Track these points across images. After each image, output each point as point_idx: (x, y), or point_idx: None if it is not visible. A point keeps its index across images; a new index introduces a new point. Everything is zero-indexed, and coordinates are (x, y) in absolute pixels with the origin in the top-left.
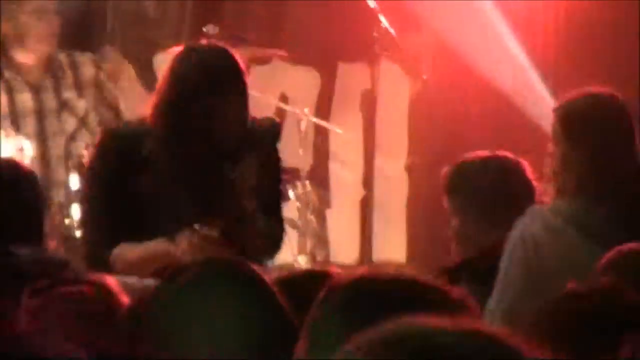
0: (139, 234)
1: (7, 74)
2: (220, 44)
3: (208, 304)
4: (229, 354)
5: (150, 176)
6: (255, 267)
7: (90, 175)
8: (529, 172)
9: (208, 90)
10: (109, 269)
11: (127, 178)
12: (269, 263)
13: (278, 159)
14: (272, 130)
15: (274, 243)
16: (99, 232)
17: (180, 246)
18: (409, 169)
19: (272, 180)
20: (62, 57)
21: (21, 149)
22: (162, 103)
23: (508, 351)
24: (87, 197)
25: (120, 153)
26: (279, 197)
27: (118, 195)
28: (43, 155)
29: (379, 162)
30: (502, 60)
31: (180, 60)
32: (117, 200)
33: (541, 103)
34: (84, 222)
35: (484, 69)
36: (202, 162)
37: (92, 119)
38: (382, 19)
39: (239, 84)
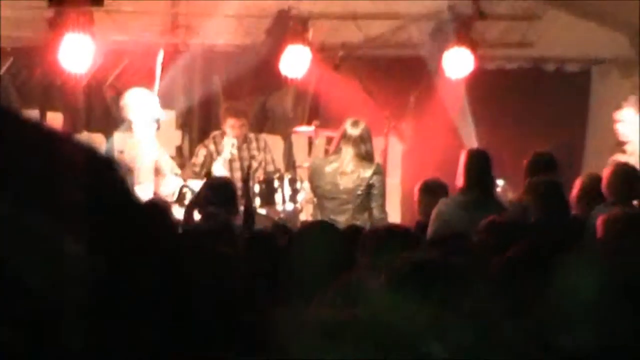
0: None
1: (226, 141)
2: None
3: None
4: None
5: None
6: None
7: None
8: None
9: None
10: None
11: None
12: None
13: None
14: None
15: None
16: None
17: None
18: (402, 183)
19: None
20: (251, 135)
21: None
22: None
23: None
24: None
25: None
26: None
27: None
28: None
29: (389, 180)
30: (457, 126)
31: None
32: None
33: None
34: None
35: (443, 134)
36: None
37: (264, 166)
38: (391, 119)
39: None
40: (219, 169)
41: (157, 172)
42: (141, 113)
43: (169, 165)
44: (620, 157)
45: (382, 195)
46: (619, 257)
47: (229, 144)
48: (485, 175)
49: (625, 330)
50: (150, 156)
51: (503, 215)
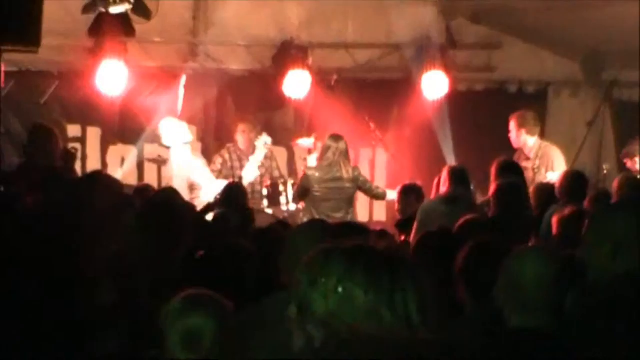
0: None
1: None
2: None
3: None
4: None
5: None
6: None
7: None
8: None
9: None
10: None
11: None
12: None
13: None
14: None
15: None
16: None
17: None
18: (387, 187)
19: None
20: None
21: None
22: None
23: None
24: None
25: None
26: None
27: None
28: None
29: (376, 183)
30: (433, 138)
31: None
32: None
33: (449, 156)
34: None
35: (422, 145)
36: None
37: (271, 172)
38: (377, 132)
39: None
40: (251, 171)
41: (192, 188)
42: (174, 139)
43: (205, 177)
44: (525, 164)
45: (368, 179)
46: (569, 249)
47: (261, 144)
48: (465, 185)
49: (572, 311)
50: (183, 176)
51: (475, 214)
